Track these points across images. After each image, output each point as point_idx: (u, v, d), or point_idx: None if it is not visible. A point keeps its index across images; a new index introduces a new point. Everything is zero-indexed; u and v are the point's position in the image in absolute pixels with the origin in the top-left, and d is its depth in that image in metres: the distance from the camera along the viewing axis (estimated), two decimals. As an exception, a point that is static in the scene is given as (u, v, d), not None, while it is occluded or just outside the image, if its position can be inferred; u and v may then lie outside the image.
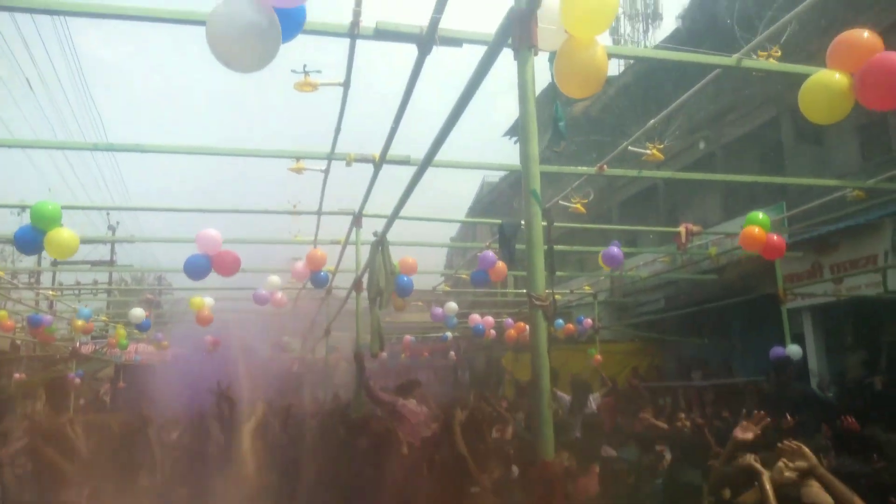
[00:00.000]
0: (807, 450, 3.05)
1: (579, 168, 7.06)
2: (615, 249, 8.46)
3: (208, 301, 10.21)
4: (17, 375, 17.69)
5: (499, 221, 6.88)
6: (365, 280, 6.33)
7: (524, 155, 2.80)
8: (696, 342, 14.27)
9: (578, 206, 7.18)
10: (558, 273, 11.42)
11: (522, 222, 7.31)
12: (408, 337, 19.94)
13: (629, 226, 13.78)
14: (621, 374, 13.84)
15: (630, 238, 14.91)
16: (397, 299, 6.79)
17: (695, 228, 8.59)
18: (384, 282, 5.71)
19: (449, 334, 21.35)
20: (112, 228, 22.34)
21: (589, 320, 13.47)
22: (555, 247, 7.86)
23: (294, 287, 12.27)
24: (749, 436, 3.64)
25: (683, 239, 8.34)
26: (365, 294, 6.34)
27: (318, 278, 7.90)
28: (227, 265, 6.28)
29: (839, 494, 2.95)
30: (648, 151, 5.89)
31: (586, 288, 14.07)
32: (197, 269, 6.07)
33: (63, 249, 5.30)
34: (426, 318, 17.22)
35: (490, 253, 8.55)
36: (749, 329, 13.18)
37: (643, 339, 15.64)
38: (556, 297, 3.31)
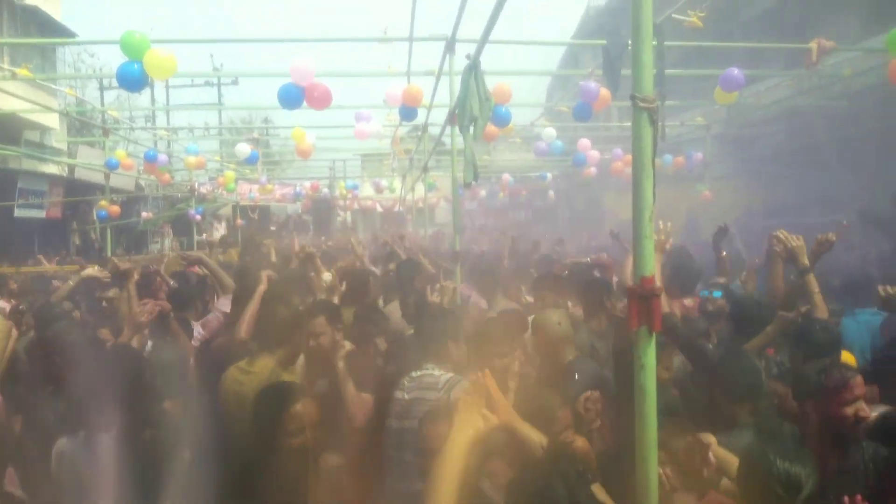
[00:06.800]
0: None
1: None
2: (735, 71, 7.63)
3: (309, 137, 10.34)
4: (144, 214, 19.21)
5: (603, 42, 6.29)
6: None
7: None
8: (818, 177, 13.17)
9: (695, 19, 6.40)
10: (668, 102, 10.58)
11: (630, 42, 6.67)
12: (506, 176, 19.61)
13: (753, 43, 12.25)
14: (731, 214, 13.16)
15: (753, 62, 13.45)
16: (493, 130, 6.49)
17: (828, 44, 7.61)
18: (478, 108, 5.40)
19: (549, 174, 20.83)
20: (217, 69, 22.71)
21: (700, 154, 12.67)
22: (667, 71, 7.18)
23: (391, 124, 12.19)
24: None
25: (815, 57, 7.44)
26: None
27: (406, 111, 7.68)
28: (318, 97, 6.25)
29: None
30: (689, 18, 6.29)
31: (699, 120, 13.09)
32: (290, 97, 6.09)
33: (163, 68, 5.34)
34: (525, 157, 16.76)
35: (592, 83, 7.93)
36: (886, 162, 11.95)
37: (758, 174, 14.62)
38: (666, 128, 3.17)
